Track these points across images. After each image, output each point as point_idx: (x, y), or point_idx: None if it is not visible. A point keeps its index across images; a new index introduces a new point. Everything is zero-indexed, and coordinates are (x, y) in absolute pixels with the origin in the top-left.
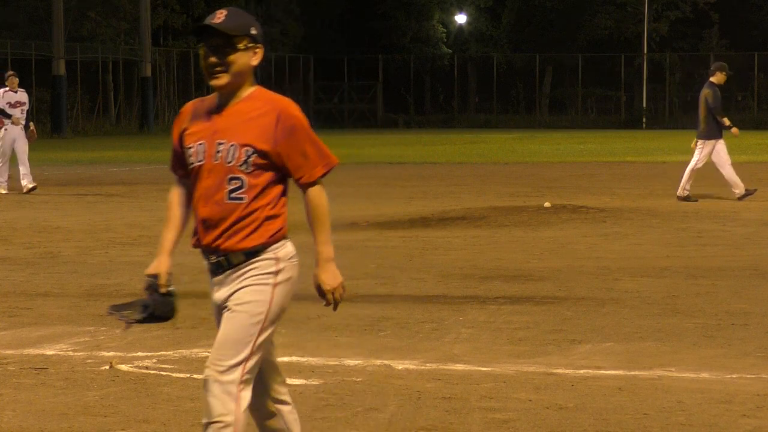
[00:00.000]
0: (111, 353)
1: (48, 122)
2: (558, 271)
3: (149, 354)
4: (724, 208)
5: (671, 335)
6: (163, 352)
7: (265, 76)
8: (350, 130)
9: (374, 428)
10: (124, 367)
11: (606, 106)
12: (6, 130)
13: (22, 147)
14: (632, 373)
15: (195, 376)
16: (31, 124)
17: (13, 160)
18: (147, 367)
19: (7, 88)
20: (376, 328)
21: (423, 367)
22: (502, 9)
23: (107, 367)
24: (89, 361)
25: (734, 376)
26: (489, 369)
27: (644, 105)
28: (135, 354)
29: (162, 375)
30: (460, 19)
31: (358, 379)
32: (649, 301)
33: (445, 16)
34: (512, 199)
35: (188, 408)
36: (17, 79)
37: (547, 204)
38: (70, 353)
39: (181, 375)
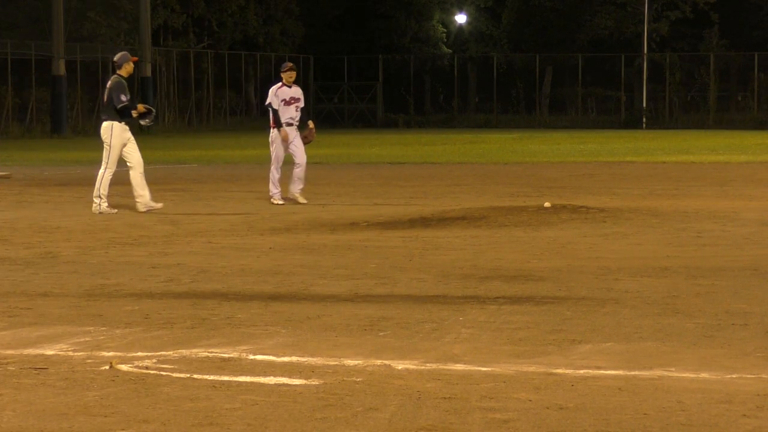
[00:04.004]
0: (111, 353)
1: (48, 122)
2: (558, 271)
3: (149, 354)
4: (724, 208)
5: (671, 335)
6: (163, 352)
7: (265, 75)
8: (350, 130)
9: (374, 428)
10: (124, 367)
11: (606, 106)
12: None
13: (299, 149)
14: (632, 373)
15: (195, 376)
16: (310, 122)
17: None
18: (147, 367)
19: (281, 83)
20: (376, 328)
21: (423, 367)
22: (502, 9)
23: (107, 367)
24: (89, 361)
25: (734, 376)
26: (489, 369)
27: (644, 105)
28: (135, 354)
29: (162, 375)
30: (460, 19)
31: (358, 379)
32: (649, 301)
33: (445, 16)
34: (512, 199)
35: (188, 408)
36: (295, 72)
37: (547, 204)
38: (70, 353)
39: (181, 375)
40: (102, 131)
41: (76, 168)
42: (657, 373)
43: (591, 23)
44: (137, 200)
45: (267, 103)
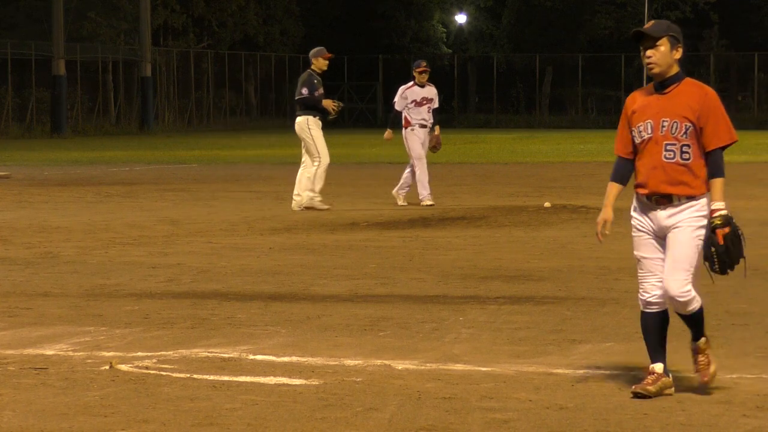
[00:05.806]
0: (111, 353)
1: (48, 122)
2: (558, 271)
3: (149, 354)
4: None
5: (671, 335)
6: (163, 352)
7: (265, 75)
8: (350, 130)
9: (374, 428)
10: (124, 367)
11: (606, 106)
12: (413, 130)
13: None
14: (632, 373)
15: (195, 376)
16: (437, 128)
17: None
18: (147, 367)
19: (412, 83)
20: (376, 328)
21: (423, 367)
22: (502, 9)
23: (107, 367)
24: (89, 361)
25: (734, 376)
26: (489, 369)
27: None
28: (135, 354)
29: (162, 375)
30: (460, 19)
31: (358, 379)
32: None
33: (445, 16)
34: (512, 199)
35: (188, 408)
36: (427, 72)
37: (547, 204)
38: (70, 353)
39: (181, 375)
40: (297, 127)
41: (76, 168)
42: None
43: (591, 23)
44: (295, 197)
45: (393, 102)
